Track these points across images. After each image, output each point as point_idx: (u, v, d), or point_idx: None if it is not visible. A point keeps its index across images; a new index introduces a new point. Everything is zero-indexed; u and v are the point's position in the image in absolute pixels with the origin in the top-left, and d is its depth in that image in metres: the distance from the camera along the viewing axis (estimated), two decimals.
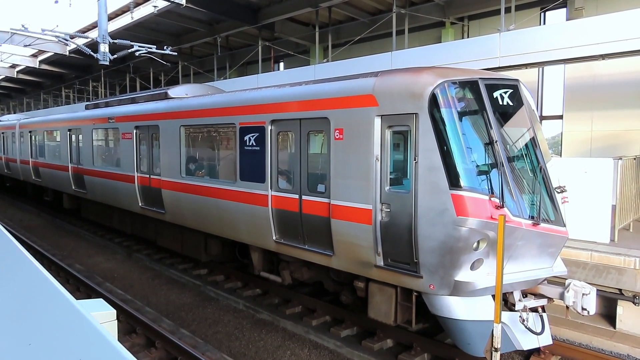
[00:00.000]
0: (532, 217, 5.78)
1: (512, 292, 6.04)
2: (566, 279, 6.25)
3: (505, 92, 6.21)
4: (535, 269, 6.06)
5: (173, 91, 10.92)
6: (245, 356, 6.90)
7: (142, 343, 7.18)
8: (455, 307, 5.79)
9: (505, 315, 5.93)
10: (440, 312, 5.89)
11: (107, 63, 13.39)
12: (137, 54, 15.10)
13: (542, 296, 6.21)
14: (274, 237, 7.72)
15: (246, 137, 8.12)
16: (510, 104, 6.23)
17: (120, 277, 10.66)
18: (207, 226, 9.36)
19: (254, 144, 7.96)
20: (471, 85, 5.98)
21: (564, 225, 6.10)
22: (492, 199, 5.51)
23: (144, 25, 20.28)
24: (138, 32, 20.70)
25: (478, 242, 5.56)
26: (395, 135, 6.21)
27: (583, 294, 5.77)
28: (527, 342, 6.07)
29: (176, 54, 17.15)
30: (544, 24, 13.98)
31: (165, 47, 15.53)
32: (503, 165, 5.68)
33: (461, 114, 5.81)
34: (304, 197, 7.21)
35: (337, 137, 6.58)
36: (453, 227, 5.43)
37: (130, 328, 7.57)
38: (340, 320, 7.93)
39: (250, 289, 9.57)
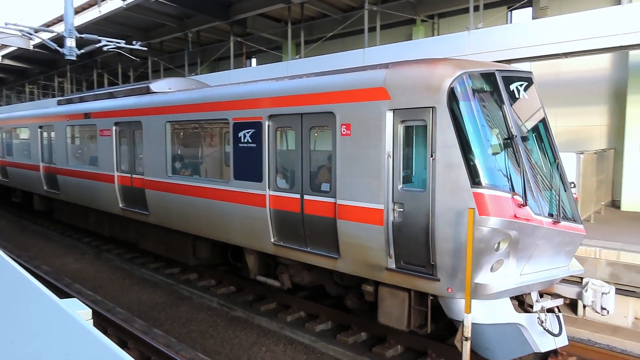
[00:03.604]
0: (552, 215, 5.58)
1: (529, 293, 5.82)
2: (582, 277, 6.09)
3: (521, 85, 5.97)
4: (553, 268, 5.86)
5: (155, 85, 10.43)
6: (220, 354, 6.89)
7: (115, 344, 7.06)
8: (474, 311, 5.48)
9: (523, 317, 5.74)
10: (459, 317, 5.58)
11: (74, 58, 13.01)
12: (105, 48, 14.72)
13: (558, 296, 6.03)
14: (272, 240, 7.31)
15: (241, 134, 7.66)
16: (526, 97, 6.00)
17: (89, 277, 10.44)
18: (196, 228, 8.89)
19: (250, 140, 7.51)
20: (489, 77, 5.69)
21: (581, 223, 5.97)
22: (514, 197, 5.28)
23: (112, 20, 19.77)
24: (106, 27, 20.16)
25: (499, 243, 5.31)
26: (409, 130, 5.86)
27: (602, 293, 5.61)
28: (545, 344, 5.83)
29: (146, 49, 16.80)
30: (511, 22, 14.38)
31: (134, 42, 15.19)
32: (523, 162, 5.45)
33: (480, 108, 5.50)
34: (305, 197, 6.82)
35: (343, 133, 6.22)
36: (475, 227, 5.11)
37: (101, 329, 7.44)
38: (314, 316, 7.99)
39: (224, 286, 9.54)
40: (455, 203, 5.28)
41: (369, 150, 5.95)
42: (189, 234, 9.28)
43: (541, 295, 6.02)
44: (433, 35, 15.56)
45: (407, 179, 5.93)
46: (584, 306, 5.82)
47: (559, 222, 5.58)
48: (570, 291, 5.90)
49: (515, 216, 5.22)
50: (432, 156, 5.45)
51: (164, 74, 24.20)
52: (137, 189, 10.25)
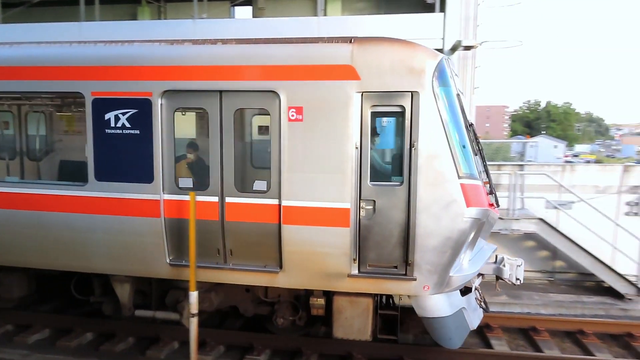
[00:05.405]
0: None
1: None
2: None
3: (456, 74, 5.96)
4: (480, 249, 6.06)
5: None
6: None
7: None
8: (442, 305, 5.48)
9: (464, 300, 5.84)
10: (430, 313, 5.49)
11: None
12: None
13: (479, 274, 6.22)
14: (168, 259, 5.79)
15: (109, 116, 5.70)
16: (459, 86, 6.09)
17: None
18: (7, 255, 6.26)
19: (128, 125, 5.67)
20: (448, 63, 5.51)
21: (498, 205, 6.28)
22: (486, 185, 5.31)
23: None
24: None
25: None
26: (380, 116, 5.26)
27: (517, 266, 6.00)
28: (475, 321, 6.02)
29: None
30: (234, 17, 15.34)
31: None
32: (481, 149, 5.52)
33: (454, 95, 5.36)
34: (228, 200, 5.56)
35: (292, 118, 5.25)
36: (462, 219, 4.98)
37: None
38: (26, 326, 7.00)
39: None
40: (440, 196, 5.03)
41: (331, 140, 5.19)
42: None
43: None
44: (159, 19, 15.22)
45: (379, 173, 5.39)
46: (497, 279, 6.18)
47: (497, 206, 5.84)
48: (487, 268, 6.14)
49: (490, 205, 5.31)
50: (412, 146, 5.06)
51: None
52: None
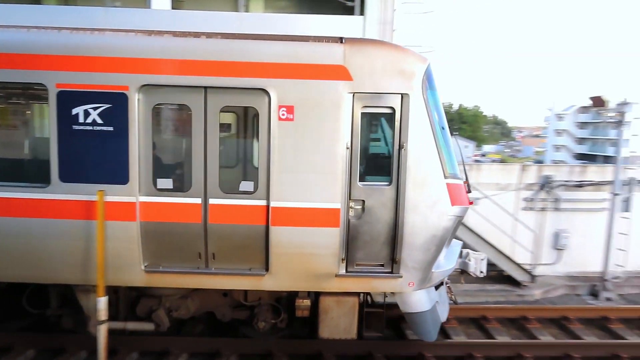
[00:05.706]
0: None
1: None
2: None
3: None
4: (450, 245, 6.19)
5: None
6: None
7: None
8: (423, 300, 5.70)
9: (437, 294, 6.07)
10: (414, 309, 5.71)
11: None
12: None
13: None
14: (143, 266, 5.40)
15: (77, 110, 5.20)
16: None
17: None
18: None
19: (100, 122, 5.21)
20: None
21: None
22: (465, 184, 5.54)
23: None
24: None
25: None
26: (369, 117, 5.38)
27: (480, 260, 6.37)
28: (445, 314, 6.24)
29: None
30: (150, 7, 14.66)
31: None
32: (460, 149, 5.76)
33: (438, 97, 5.59)
34: (212, 202, 5.31)
35: (283, 117, 5.17)
36: (447, 218, 5.26)
37: None
38: None
39: None
40: (427, 195, 5.23)
41: (322, 140, 5.20)
42: None
43: None
44: (67, 5, 14.15)
45: (368, 173, 5.46)
46: (462, 272, 6.52)
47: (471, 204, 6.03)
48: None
49: (470, 202, 5.59)
50: (402, 147, 5.17)
51: None
52: None
